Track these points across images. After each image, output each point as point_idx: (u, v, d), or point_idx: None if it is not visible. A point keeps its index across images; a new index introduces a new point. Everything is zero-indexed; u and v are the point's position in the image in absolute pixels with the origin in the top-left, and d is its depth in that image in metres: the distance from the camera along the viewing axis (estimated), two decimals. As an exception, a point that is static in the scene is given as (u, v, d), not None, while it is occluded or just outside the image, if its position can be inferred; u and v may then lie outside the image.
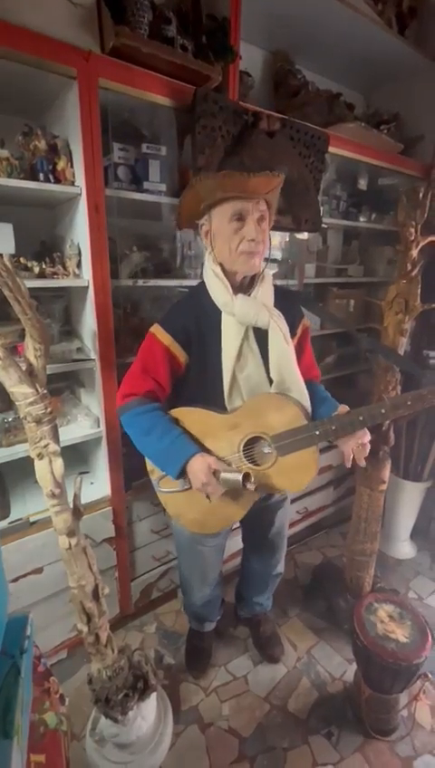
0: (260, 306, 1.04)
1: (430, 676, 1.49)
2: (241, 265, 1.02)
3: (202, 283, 1.11)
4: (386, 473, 1.59)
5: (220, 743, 1.33)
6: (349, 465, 1.07)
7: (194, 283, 1.65)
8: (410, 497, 2.06)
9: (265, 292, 1.08)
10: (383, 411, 1.00)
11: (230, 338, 1.05)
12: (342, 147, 1.77)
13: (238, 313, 1.03)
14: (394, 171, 2.12)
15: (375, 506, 1.62)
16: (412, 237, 1.40)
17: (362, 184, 2.35)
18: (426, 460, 2.00)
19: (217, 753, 1.30)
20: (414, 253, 1.42)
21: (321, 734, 1.35)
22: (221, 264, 1.05)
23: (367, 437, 1.05)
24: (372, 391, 1.59)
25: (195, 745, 1.32)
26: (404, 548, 2.16)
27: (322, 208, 1.75)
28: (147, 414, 1.06)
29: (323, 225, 1.96)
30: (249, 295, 1.05)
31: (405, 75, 2.18)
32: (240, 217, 0.98)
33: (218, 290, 1.05)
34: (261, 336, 1.06)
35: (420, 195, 1.37)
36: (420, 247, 1.42)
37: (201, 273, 1.66)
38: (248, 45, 1.81)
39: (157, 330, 1.07)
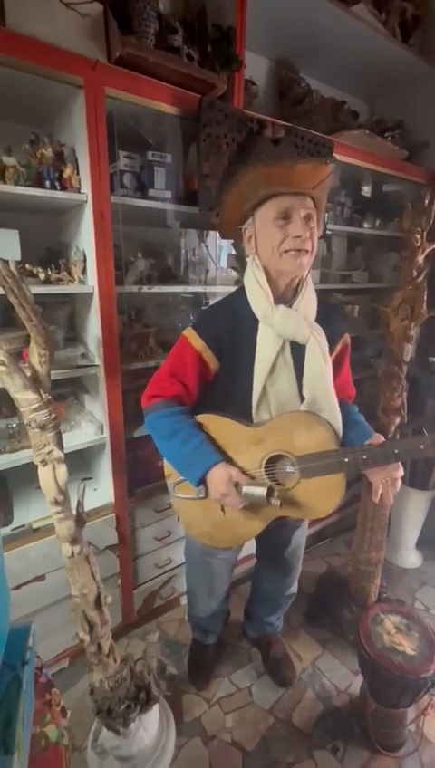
0: (301, 320, 0.98)
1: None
2: (287, 264, 0.95)
3: (241, 290, 1.06)
4: (392, 481, 1.57)
5: (223, 756, 1.30)
6: (377, 499, 0.99)
7: (199, 289, 1.67)
8: (416, 505, 2.03)
9: (307, 303, 1.02)
10: (422, 447, 0.91)
11: (265, 350, 1.00)
12: (346, 154, 1.78)
13: (277, 326, 0.98)
14: (399, 178, 2.13)
15: (380, 514, 1.60)
16: (418, 244, 1.40)
17: (367, 190, 2.36)
18: (432, 468, 1.98)
19: (221, 767, 1.28)
20: (420, 259, 1.41)
21: (326, 749, 1.32)
22: (266, 271, 0.99)
23: (399, 472, 0.97)
24: (378, 397, 1.58)
25: (198, 759, 1.30)
26: (410, 557, 2.13)
27: (326, 215, 1.75)
28: (172, 417, 1.03)
29: (328, 232, 1.96)
30: (290, 306, 1.00)
31: (409, 83, 2.19)
32: (286, 215, 0.92)
33: (259, 299, 0.99)
34: (298, 350, 1.01)
35: (426, 201, 1.37)
36: (425, 254, 1.41)
37: (205, 280, 1.68)
38: (253, 54, 1.82)
39: (190, 334, 1.03)
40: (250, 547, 1.41)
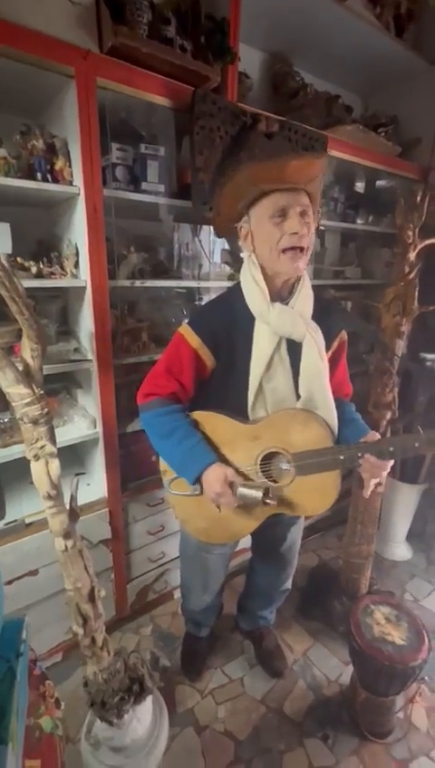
0: (297, 318, 0.98)
1: (426, 678, 1.50)
2: (284, 266, 0.94)
3: (237, 286, 1.05)
4: (383, 475, 1.59)
5: (216, 745, 1.32)
6: (368, 494, 1.00)
7: (192, 284, 1.67)
8: (406, 499, 2.06)
9: (303, 301, 1.01)
10: (417, 445, 0.90)
11: (262, 347, 1.00)
12: (340, 149, 1.78)
13: (274, 324, 0.98)
14: (392, 174, 2.13)
15: (371, 508, 1.62)
16: (410, 240, 1.41)
17: (360, 186, 2.36)
18: (422, 462, 2.00)
19: (213, 756, 1.30)
20: (412, 255, 1.42)
21: (317, 737, 1.35)
22: (262, 269, 0.98)
23: (385, 471, 0.97)
24: (369, 392, 1.59)
25: (190, 748, 1.32)
26: (400, 550, 2.17)
27: (319, 210, 1.75)
28: (168, 416, 1.03)
29: (321, 227, 1.97)
30: (287, 304, 0.99)
31: (403, 78, 2.19)
32: (281, 212, 0.91)
33: (255, 296, 0.99)
34: (294, 348, 1.01)
35: (418, 198, 1.38)
36: (417, 250, 1.42)
37: (198, 274, 1.68)
38: (247, 47, 1.81)
39: (186, 330, 1.02)
40: (245, 540, 1.42)
